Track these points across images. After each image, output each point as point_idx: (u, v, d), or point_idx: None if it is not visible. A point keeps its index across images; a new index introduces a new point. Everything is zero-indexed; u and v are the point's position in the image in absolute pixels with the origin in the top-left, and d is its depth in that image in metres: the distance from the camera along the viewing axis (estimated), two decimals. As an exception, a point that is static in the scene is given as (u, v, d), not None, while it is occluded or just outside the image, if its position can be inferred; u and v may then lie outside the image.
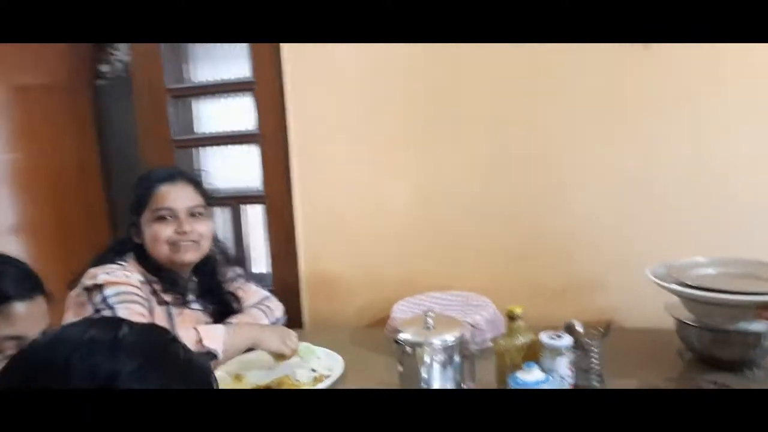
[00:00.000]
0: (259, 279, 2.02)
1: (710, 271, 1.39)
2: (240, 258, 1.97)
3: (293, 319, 1.84)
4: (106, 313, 1.34)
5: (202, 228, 1.50)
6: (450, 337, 1.15)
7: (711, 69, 1.54)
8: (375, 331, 1.72)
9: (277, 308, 1.71)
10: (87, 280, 1.39)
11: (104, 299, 1.36)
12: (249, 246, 2.04)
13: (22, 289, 0.98)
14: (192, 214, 1.49)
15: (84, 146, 2.17)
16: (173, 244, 1.46)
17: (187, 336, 1.33)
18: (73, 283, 1.48)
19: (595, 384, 1.27)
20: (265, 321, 1.65)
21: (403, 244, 1.81)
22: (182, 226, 1.46)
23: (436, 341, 1.13)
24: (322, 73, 1.79)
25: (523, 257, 1.73)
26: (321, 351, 1.56)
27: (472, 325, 1.39)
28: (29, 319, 0.98)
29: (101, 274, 1.39)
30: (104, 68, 2.25)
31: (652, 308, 1.46)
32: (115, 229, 2.22)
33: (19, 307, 0.97)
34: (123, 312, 1.32)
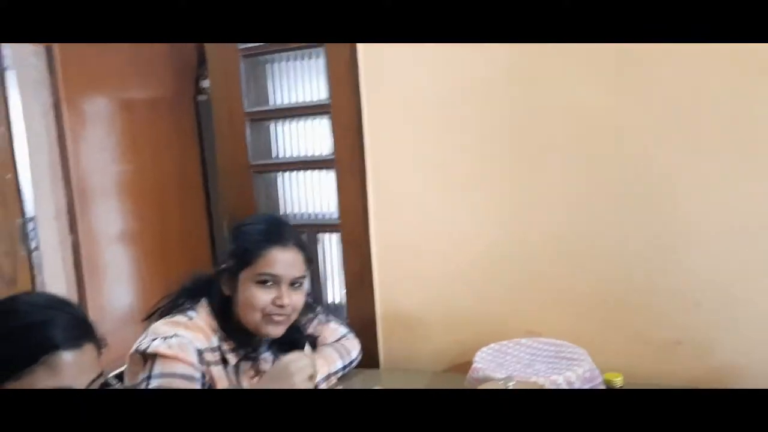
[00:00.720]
0: (334, 310, 1.93)
1: None
2: (317, 292, 1.89)
3: (369, 358, 1.72)
4: None
5: (298, 300, 1.40)
6: (533, 412, 0.98)
7: None
8: (454, 378, 1.56)
9: (354, 348, 1.61)
10: (145, 340, 1.33)
11: (147, 379, 1.29)
12: (325, 276, 1.95)
13: (71, 338, 0.92)
14: (293, 284, 1.39)
15: (186, 159, 2.22)
16: (267, 315, 1.36)
17: None
18: (146, 319, 1.43)
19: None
20: (340, 363, 1.56)
21: (484, 284, 1.65)
22: (282, 299, 1.36)
23: (517, 415, 0.97)
24: (399, 99, 1.67)
25: (624, 305, 1.52)
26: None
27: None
28: (76, 369, 0.92)
29: (158, 340, 1.30)
30: (205, 84, 2.26)
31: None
32: (213, 244, 2.21)
33: (67, 357, 0.91)
34: None
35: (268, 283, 1.36)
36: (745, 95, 1.37)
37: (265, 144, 1.95)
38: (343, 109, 1.74)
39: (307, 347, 1.38)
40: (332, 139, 1.79)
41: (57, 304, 0.98)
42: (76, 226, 1.92)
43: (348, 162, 1.76)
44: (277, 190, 1.96)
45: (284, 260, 1.37)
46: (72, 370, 0.91)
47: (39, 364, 0.88)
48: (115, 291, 1.94)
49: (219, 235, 2.16)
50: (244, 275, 1.37)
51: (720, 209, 1.42)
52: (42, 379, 0.88)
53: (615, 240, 1.51)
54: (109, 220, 2.02)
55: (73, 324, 0.95)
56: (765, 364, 1.33)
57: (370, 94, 1.70)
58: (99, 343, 0.97)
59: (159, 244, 2.09)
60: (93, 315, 1.51)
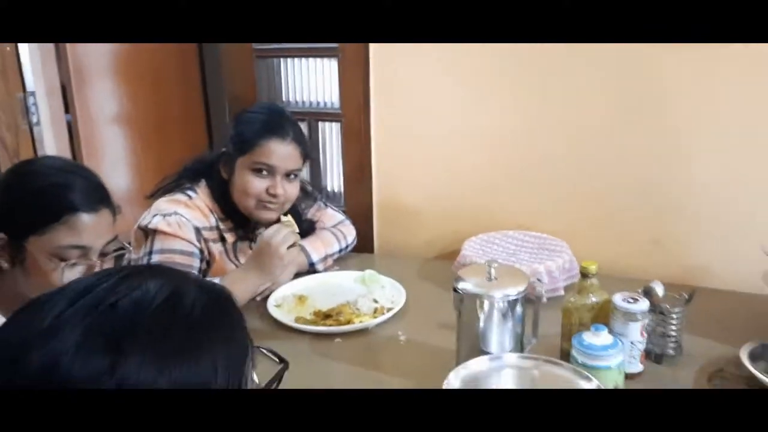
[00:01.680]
0: (333, 197, 2.00)
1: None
2: (317, 179, 1.95)
3: (364, 244, 1.82)
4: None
5: (292, 191, 1.47)
6: (512, 291, 1.07)
7: None
8: (443, 264, 1.66)
9: (350, 233, 1.70)
10: (147, 216, 1.40)
11: (148, 254, 1.37)
12: (325, 164, 2.01)
13: (89, 201, 1.00)
14: (287, 175, 1.45)
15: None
16: (260, 201, 1.44)
17: None
18: (151, 195, 1.50)
19: (670, 352, 1.17)
20: (336, 246, 1.65)
21: (481, 178, 1.72)
22: (276, 188, 1.43)
23: (497, 294, 1.07)
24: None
25: (608, 208, 1.60)
26: (386, 280, 1.54)
27: (538, 279, 1.30)
28: (95, 230, 1.00)
29: (158, 216, 1.38)
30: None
31: (750, 273, 1.33)
32: (209, 128, 2.21)
33: (86, 219, 0.98)
34: None
35: (263, 172, 1.42)
36: None
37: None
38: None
39: (286, 217, 1.44)
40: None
41: (75, 168, 1.05)
42: (73, 105, 1.92)
43: (351, 51, 1.77)
44: (280, 76, 1.98)
45: (281, 152, 1.42)
46: (90, 231, 0.99)
47: (60, 223, 0.96)
48: (114, 171, 1.96)
49: (216, 118, 2.16)
50: (241, 162, 1.43)
51: (707, 122, 1.47)
52: (63, 236, 0.97)
53: (610, 149, 1.57)
54: (105, 100, 2.01)
55: (91, 188, 1.02)
56: (737, 266, 1.43)
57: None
58: (114, 209, 1.05)
59: (155, 126, 2.08)
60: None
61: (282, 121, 1.48)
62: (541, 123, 1.62)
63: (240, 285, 1.33)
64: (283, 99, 1.98)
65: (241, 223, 1.50)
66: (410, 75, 1.72)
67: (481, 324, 1.09)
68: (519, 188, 1.69)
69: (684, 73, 1.46)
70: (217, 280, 1.31)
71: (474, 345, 1.10)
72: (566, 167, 1.62)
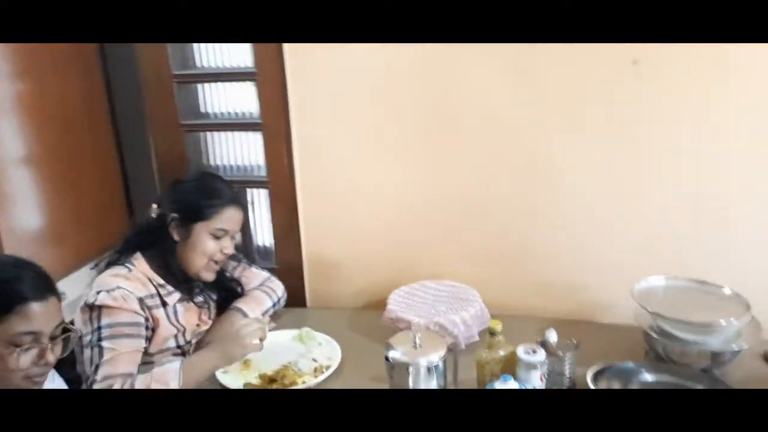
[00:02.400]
0: (264, 254, 2.16)
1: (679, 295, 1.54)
2: (243, 242, 2.09)
3: (296, 298, 1.99)
4: (93, 347, 1.43)
5: (232, 249, 1.65)
6: (435, 357, 1.28)
7: (701, 78, 1.60)
8: (371, 314, 1.85)
9: (278, 288, 1.84)
10: (92, 294, 1.48)
11: (98, 329, 1.45)
12: (255, 226, 2.15)
13: (38, 291, 1.11)
14: (233, 237, 1.64)
15: (89, 85, 2.08)
16: (211, 261, 1.61)
17: (142, 383, 1.43)
18: (95, 266, 1.61)
19: (564, 383, 1.42)
20: (269, 302, 1.79)
21: (400, 233, 1.93)
22: (229, 249, 1.62)
23: (422, 361, 1.27)
24: (324, 66, 1.83)
25: (512, 255, 1.85)
26: (322, 337, 1.71)
27: (452, 344, 1.53)
28: (44, 316, 1.11)
29: (103, 293, 1.47)
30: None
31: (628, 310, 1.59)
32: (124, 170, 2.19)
33: (35, 307, 1.09)
34: (107, 354, 1.42)
35: (219, 238, 1.60)
36: (615, 87, 1.66)
37: (193, 103, 2.08)
38: (269, 74, 1.89)
39: (253, 312, 1.67)
40: (258, 103, 1.94)
41: (23, 263, 1.16)
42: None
43: (274, 124, 1.93)
44: (206, 146, 2.11)
45: (237, 218, 1.63)
46: (40, 318, 1.11)
47: (13, 313, 1.08)
48: (24, 214, 1.82)
49: (130, 154, 2.16)
50: (201, 226, 1.58)
51: (591, 176, 1.74)
52: (16, 325, 1.08)
53: (509, 202, 1.82)
54: (9, 142, 1.79)
55: (38, 280, 1.14)
56: (623, 299, 1.61)
57: (295, 62, 1.85)
58: (59, 296, 1.17)
59: (67, 167, 1.99)
60: (6, 239, 1.57)
61: (231, 188, 1.66)
62: (451, 188, 1.85)
63: (202, 366, 1.48)
64: (211, 165, 2.11)
65: (179, 284, 1.63)
66: (332, 146, 1.90)
67: (411, 384, 1.29)
68: (433, 239, 1.91)
69: (569, 142, 1.73)
70: (177, 363, 1.45)
71: (406, 402, 1.30)
72: (475, 223, 1.86)
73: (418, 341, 1.29)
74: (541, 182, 1.77)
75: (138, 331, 1.50)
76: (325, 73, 1.84)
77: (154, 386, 1.41)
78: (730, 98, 1.59)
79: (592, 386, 1.37)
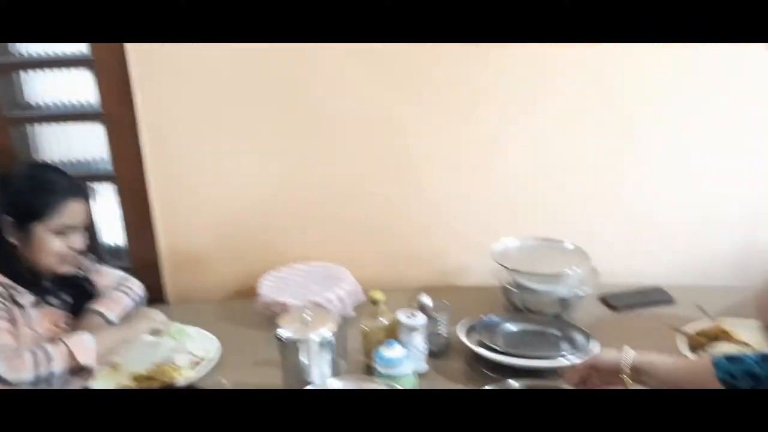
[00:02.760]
0: (115, 254, 2.02)
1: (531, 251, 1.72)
2: (92, 240, 1.94)
3: (154, 296, 1.89)
4: None
5: (83, 242, 1.52)
6: (327, 332, 1.32)
7: (547, 69, 1.77)
8: (241, 303, 1.83)
9: (135, 285, 1.74)
10: None
11: None
12: (101, 224, 2.01)
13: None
14: (81, 230, 1.51)
15: None
16: (61, 257, 1.47)
17: (57, 352, 1.36)
18: None
19: (443, 348, 1.53)
20: (129, 302, 1.69)
21: (265, 220, 1.92)
22: (77, 244, 1.49)
23: (315, 337, 1.30)
24: (171, 49, 1.74)
25: (378, 231, 1.93)
26: (193, 330, 1.65)
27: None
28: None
29: None
30: None
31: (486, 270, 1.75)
32: None
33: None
34: None
35: (65, 233, 1.48)
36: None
37: (15, 93, 1.87)
38: (107, 61, 1.76)
39: (113, 313, 1.59)
40: (98, 94, 1.80)
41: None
42: None
43: (117, 115, 1.81)
44: (37, 140, 1.92)
45: (79, 210, 1.50)
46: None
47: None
48: None
49: None
50: (41, 227, 1.44)
51: (444, 150, 1.86)
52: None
53: (371, 180, 1.89)
54: None
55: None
56: (482, 262, 1.77)
57: (138, 46, 1.74)
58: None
59: None
60: None
61: (70, 180, 1.53)
62: (317, 169, 1.88)
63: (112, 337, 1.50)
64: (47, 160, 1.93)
65: (31, 285, 1.49)
66: (182, 128, 1.83)
67: (305, 361, 1.31)
68: (299, 223, 1.92)
69: (421, 121, 1.84)
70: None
71: (300, 379, 1.32)
72: (342, 203, 1.90)
73: (308, 318, 1.31)
74: (398, 159, 1.87)
75: (5, 313, 1.41)
76: (173, 57, 1.76)
77: (77, 354, 1.39)
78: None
79: (465, 340, 1.49)
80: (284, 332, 1.31)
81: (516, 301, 1.67)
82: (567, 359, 1.40)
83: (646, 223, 1.90)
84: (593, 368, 1.17)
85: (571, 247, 1.71)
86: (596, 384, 1.16)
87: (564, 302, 1.63)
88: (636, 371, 1.12)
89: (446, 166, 1.87)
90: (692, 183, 1.87)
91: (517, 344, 1.49)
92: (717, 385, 1.09)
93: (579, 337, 1.50)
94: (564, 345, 1.48)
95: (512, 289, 1.65)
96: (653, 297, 1.75)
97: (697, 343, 1.46)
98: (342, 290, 1.70)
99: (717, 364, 1.14)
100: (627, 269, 1.85)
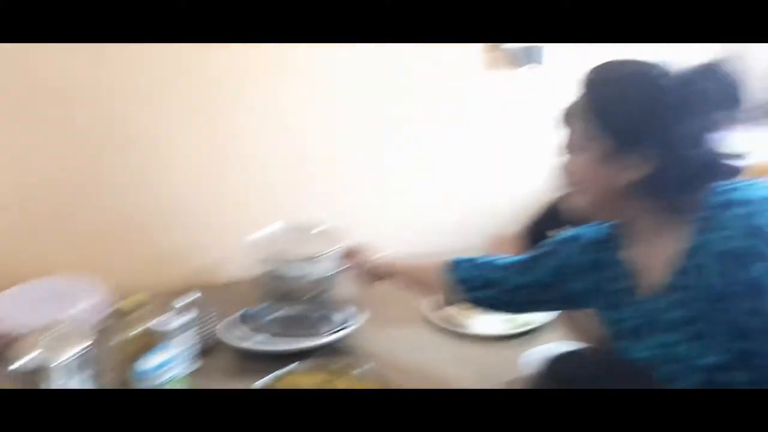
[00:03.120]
0: None
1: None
2: None
3: None
4: None
5: None
6: (73, 355, 1.21)
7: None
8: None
9: None
10: None
11: None
12: None
13: None
14: None
15: None
16: None
17: None
18: None
19: (210, 344, 1.50)
20: None
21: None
22: None
23: (59, 362, 1.18)
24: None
25: (127, 233, 1.82)
26: None
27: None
28: None
29: None
30: None
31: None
32: None
33: None
34: None
35: None
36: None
37: None
38: None
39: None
40: None
41: None
42: None
43: None
44: None
45: None
46: None
47: None
48: None
49: None
50: None
51: (189, 146, 1.81)
52: None
53: (109, 184, 1.77)
54: None
55: None
56: (240, 255, 1.76)
57: None
58: None
59: None
60: None
61: None
62: (39, 174, 1.70)
63: None
64: None
65: None
66: None
67: (51, 386, 1.18)
68: (31, 230, 1.72)
69: (161, 126, 1.74)
70: None
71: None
72: (75, 200, 1.76)
73: (49, 343, 1.19)
74: (144, 157, 1.77)
75: None
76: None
77: None
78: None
79: (226, 337, 1.47)
80: (19, 365, 1.17)
81: (276, 289, 1.69)
82: (330, 335, 1.47)
83: (404, 203, 2.07)
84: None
85: (322, 228, 1.77)
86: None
87: (323, 282, 1.69)
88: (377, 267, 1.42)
89: (194, 160, 1.82)
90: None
91: (281, 330, 1.53)
92: (443, 288, 1.29)
93: (338, 313, 1.58)
94: (326, 323, 1.55)
95: (271, 277, 1.67)
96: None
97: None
98: (87, 304, 1.57)
99: (455, 264, 1.29)
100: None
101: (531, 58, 2.07)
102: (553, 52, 2.08)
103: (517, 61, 2.06)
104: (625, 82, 0.92)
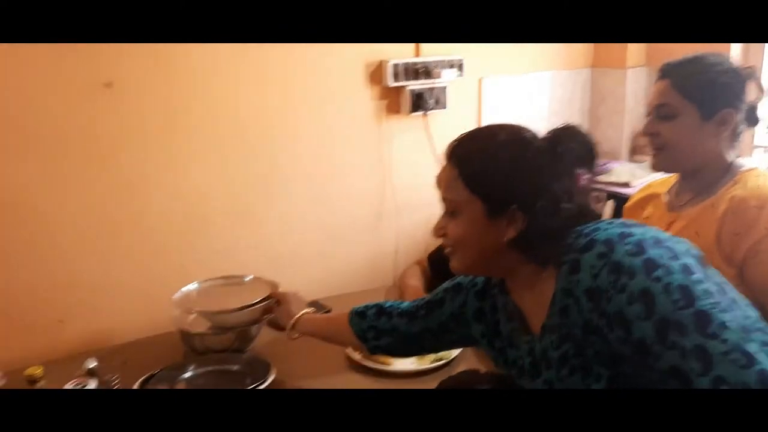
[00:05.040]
0: None
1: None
2: None
3: None
4: None
5: None
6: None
7: (168, 103, 1.76)
8: None
9: None
10: None
11: None
12: None
13: None
14: None
15: None
16: None
17: None
18: None
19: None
20: None
21: None
22: None
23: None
24: None
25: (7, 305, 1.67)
26: None
27: None
28: None
29: None
30: None
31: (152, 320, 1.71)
32: None
33: None
34: None
35: None
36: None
37: None
38: None
39: None
40: None
41: None
42: None
43: None
44: None
45: None
46: None
47: None
48: None
49: None
50: None
51: (69, 203, 1.69)
52: None
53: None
54: None
55: None
56: (154, 313, 1.74)
57: None
58: None
59: None
60: None
61: None
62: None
63: None
64: None
65: None
66: None
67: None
68: None
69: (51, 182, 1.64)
70: None
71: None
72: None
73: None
74: (20, 222, 1.64)
75: None
76: None
77: None
78: (194, 107, 1.81)
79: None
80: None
81: (196, 344, 1.65)
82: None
83: (299, 243, 2.06)
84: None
85: (250, 278, 1.72)
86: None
87: (241, 335, 1.65)
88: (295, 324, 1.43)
89: (84, 222, 1.72)
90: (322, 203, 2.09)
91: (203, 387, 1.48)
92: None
93: (260, 366, 1.53)
94: (247, 378, 1.50)
95: (190, 332, 1.63)
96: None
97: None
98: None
99: (350, 317, 1.32)
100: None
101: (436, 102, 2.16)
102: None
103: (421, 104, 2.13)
104: (491, 151, 0.98)
